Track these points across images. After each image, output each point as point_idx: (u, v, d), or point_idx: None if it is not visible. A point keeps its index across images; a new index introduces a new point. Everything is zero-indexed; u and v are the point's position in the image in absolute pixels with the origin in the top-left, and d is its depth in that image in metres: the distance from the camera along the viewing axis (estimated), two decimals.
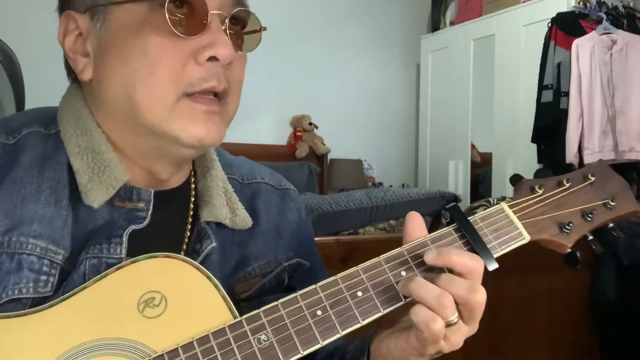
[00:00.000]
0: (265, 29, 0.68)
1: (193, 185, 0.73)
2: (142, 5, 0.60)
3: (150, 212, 0.66)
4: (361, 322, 0.58)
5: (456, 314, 0.56)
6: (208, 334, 0.55)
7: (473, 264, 0.58)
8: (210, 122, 0.62)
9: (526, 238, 0.67)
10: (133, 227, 0.64)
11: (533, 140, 3.42)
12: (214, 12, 0.61)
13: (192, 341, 0.55)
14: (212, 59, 0.61)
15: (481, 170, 4.24)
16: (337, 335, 0.57)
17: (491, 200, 2.25)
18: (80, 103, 0.67)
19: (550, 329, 1.92)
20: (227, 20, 0.62)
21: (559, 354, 1.96)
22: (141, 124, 0.62)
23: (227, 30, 0.62)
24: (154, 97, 0.60)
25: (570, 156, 3.20)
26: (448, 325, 0.56)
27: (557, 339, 1.94)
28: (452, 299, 0.56)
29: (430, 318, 0.55)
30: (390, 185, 4.19)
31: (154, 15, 0.60)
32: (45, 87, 2.05)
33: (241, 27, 0.66)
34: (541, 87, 3.37)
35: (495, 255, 0.63)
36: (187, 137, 0.61)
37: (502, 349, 1.81)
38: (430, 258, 0.59)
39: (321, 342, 0.56)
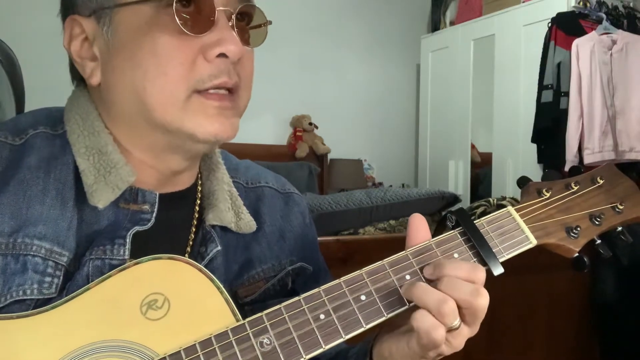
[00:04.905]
0: (270, 22, 0.68)
1: (199, 188, 0.73)
2: (149, 6, 0.60)
3: (154, 215, 0.65)
4: (365, 326, 0.57)
5: (458, 319, 0.56)
6: (211, 337, 0.55)
7: (466, 275, 0.58)
8: (223, 117, 0.62)
9: (533, 242, 0.66)
10: (137, 228, 0.64)
11: (533, 140, 3.42)
12: (221, 8, 0.61)
13: (195, 344, 0.54)
14: (221, 55, 0.61)
15: (481, 170, 4.23)
16: (340, 340, 0.57)
17: (491, 200, 2.23)
18: (88, 104, 0.67)
19: (550, 329, 1.92)
20: (233, 16, 0.62)
21: (559, 354, 1.95)
22: (154, 123, 0.62)
23: (234, 27, 0.62)
24: (165, 96, 0.60)
25: (570, 156, 3.19)
26: (450, 330, 0.56)
27: (557, 339, 1.94)
28: (454, 305, 0.55)
29: (431, 326, 0.55)
30: (390, 185, 4.19)
31: (161, 15, 0.60)
32: (45, 87, 2.05)
33: (247, 22, 0.66)
34: (541, 87, 3.37)
35: (501, 260, 0.63)
36: (202, 134, 0.62)
37: (502, 349, 1.81)
38: (427, 273, 0.60)
39: (324, 347, 0.56)
